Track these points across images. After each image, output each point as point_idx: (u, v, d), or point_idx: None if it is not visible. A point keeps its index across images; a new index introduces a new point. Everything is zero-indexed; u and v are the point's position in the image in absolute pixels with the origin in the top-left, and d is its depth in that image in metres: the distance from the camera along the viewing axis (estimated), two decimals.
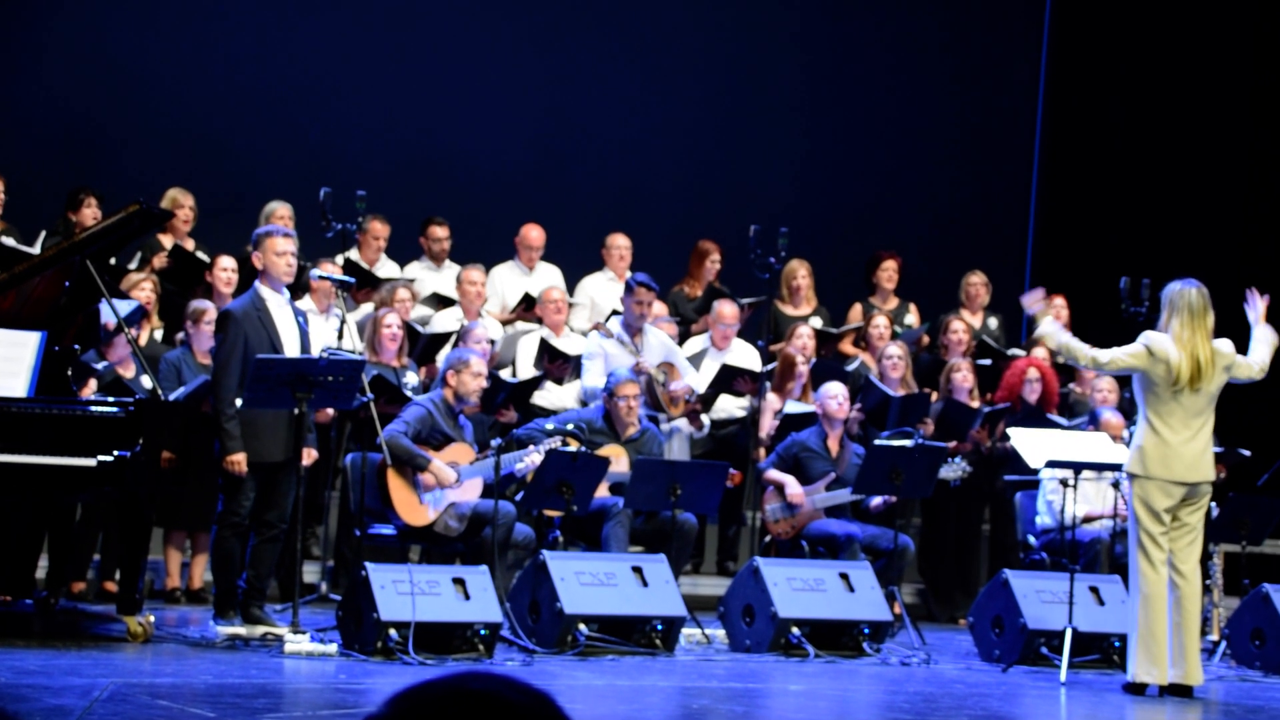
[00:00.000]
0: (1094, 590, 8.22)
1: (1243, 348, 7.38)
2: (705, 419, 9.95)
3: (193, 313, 8.88)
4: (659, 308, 10.36)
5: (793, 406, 9.81)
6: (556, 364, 9.82)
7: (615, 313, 10.24)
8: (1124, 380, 9.08)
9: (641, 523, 8.80)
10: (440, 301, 10.24)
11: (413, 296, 9.89)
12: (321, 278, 8.72)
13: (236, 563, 7.56)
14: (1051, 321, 7.63)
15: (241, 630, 7.42)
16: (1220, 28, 13.22)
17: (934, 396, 10.18)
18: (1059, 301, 10.91)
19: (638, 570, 7.87)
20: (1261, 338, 7.44)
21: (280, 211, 10.03)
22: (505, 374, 9.76)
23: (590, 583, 7.70)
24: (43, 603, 7.71)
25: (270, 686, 6.31)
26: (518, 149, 12.53)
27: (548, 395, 9.91)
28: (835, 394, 9.32)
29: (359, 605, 7.06)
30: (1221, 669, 8.34)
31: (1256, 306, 7.56)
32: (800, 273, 10.89)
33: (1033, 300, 7.72)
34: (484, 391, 8.57)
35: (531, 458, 8.21)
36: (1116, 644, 7.93)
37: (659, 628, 7.73)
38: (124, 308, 7.70)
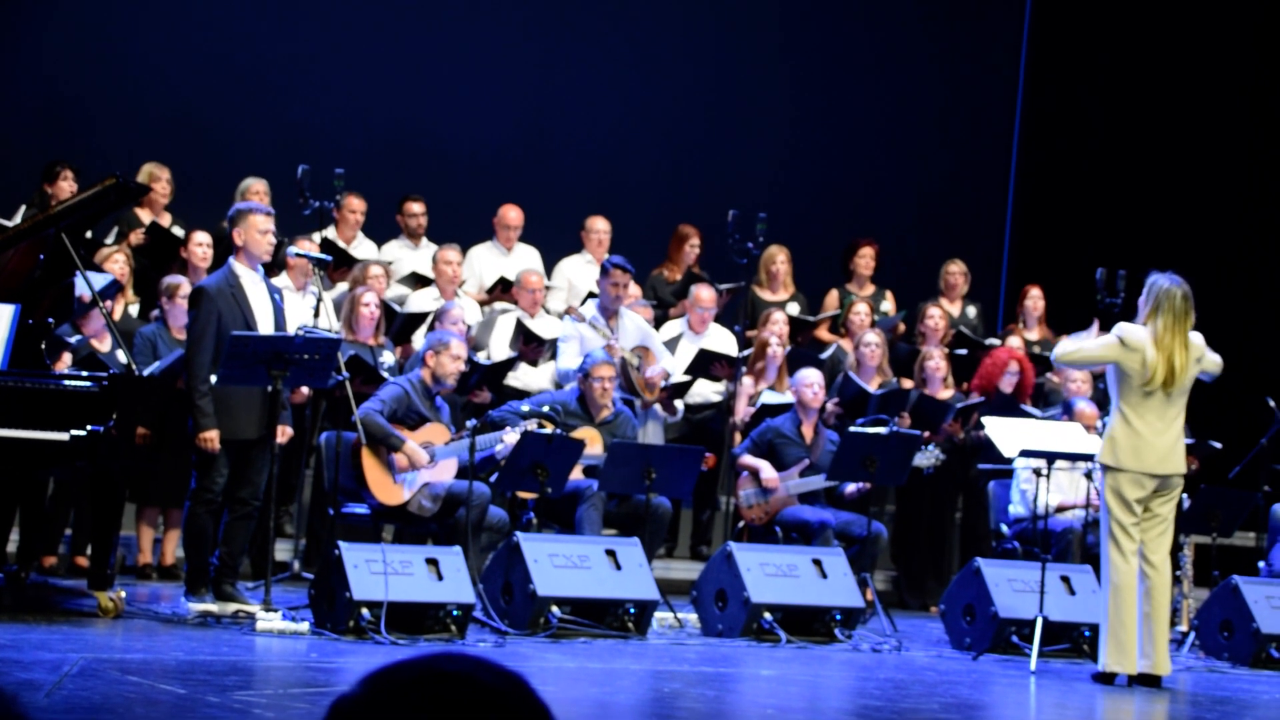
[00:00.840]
0: (1065, 580, 8.25)
1: (1210, 340, 7.36)
2: (679, 403, 9.94)
3: (166, 288, 8.84)
4: (634, 290, 10.36)
5: (770, 397, 9.80)
6: (531, 346, 9.81)
7: (592, 295, 10.23)
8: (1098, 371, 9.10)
9: (615, 506, 8.80)
10: (418, 281, 10.21)
11: (387, 275, 9.86)
12: (299, 255, 8.69)
13: (209, 540, 7.54)
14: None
15: (213, 607, 7.41)
16: (1201, 20, 13.25)
17: (909, 385, 10.20)
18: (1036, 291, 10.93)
19: (611, 553, 7.87)
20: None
21: (255, 187, 9.98)
22: (480, 356, 9.75)
23: (563, 565, 7.70)
24: (13, 577, 7.68)
25: (241, 664, 6.30)
26: (498, 130, 12.50)
27: (522, 377, 9.89)
28: (811, 382, 9.32)
29: (332, 584, 7.05)
30: (1190, 660, 8.38)
31: None
32: (779, 258, 10.89)
33: None
34: (457, 376, 8.55)
35: (509, 438, 8.20)
36: (1087, 633, 7.97)
37: (632, 611, 7.74)
38: (99, 281, 7.66)
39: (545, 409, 8.72)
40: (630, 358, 9.63)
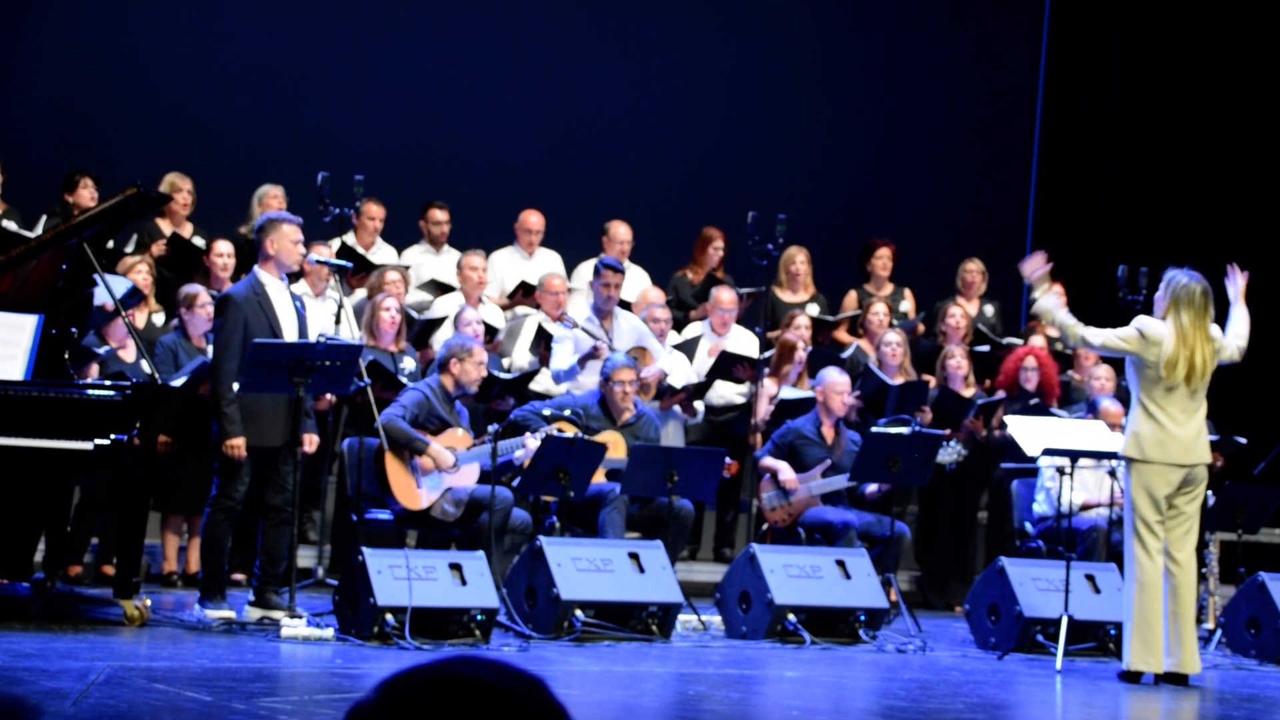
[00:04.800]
0: (1090, 578, 8.23)
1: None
2: (699, 405, 9.93)
3: (185, 297, 8.87)
4: (655, 295, 10.37)
5: (789, 392, 9.80)
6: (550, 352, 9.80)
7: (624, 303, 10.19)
8: (1120, 368, 9.07)
9: (638, 509, 8.80)
10: (439, 288, 10.22)
11: (405, 281, 9.88)
12: (319, 262, 8.72)
13: (226, 548, 7.55)
14: (1051, 296, 7.57)
15: (230, 613, 7.42)
16: (1218, 15, 13.20)
17: (931, 383, 10.18)
18: (1058, 289, 10.90)
19: (634, 556, 7.87)
20: (1239, 318, 7.38)
21: (273, 194, 10.00)
22: (502, 362, 9.76)
23: (587, 569, 7.70)
24: (40, 586, 7.71)
25: (266, 670, 6.31)
26: (519, 134, 12.51)
27: (544, 381, 9.88)
28: (842, 389, 9.28)
29: (356, 590, 7.07)
30: (1217, 657, 8.35)
31: (1237, 283, 7.44)
32: (799, 259, 10.89)
33: (1033, 267, 7.60)
34: (480, 383, 8.56)
35: (529, 443, 8.21)
36: (1112, 632, 7.94)
37: (655, 614, 7.74)
38: (120, 290, 7.69)
39: (566, 412, 8.72)
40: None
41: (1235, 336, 7.33)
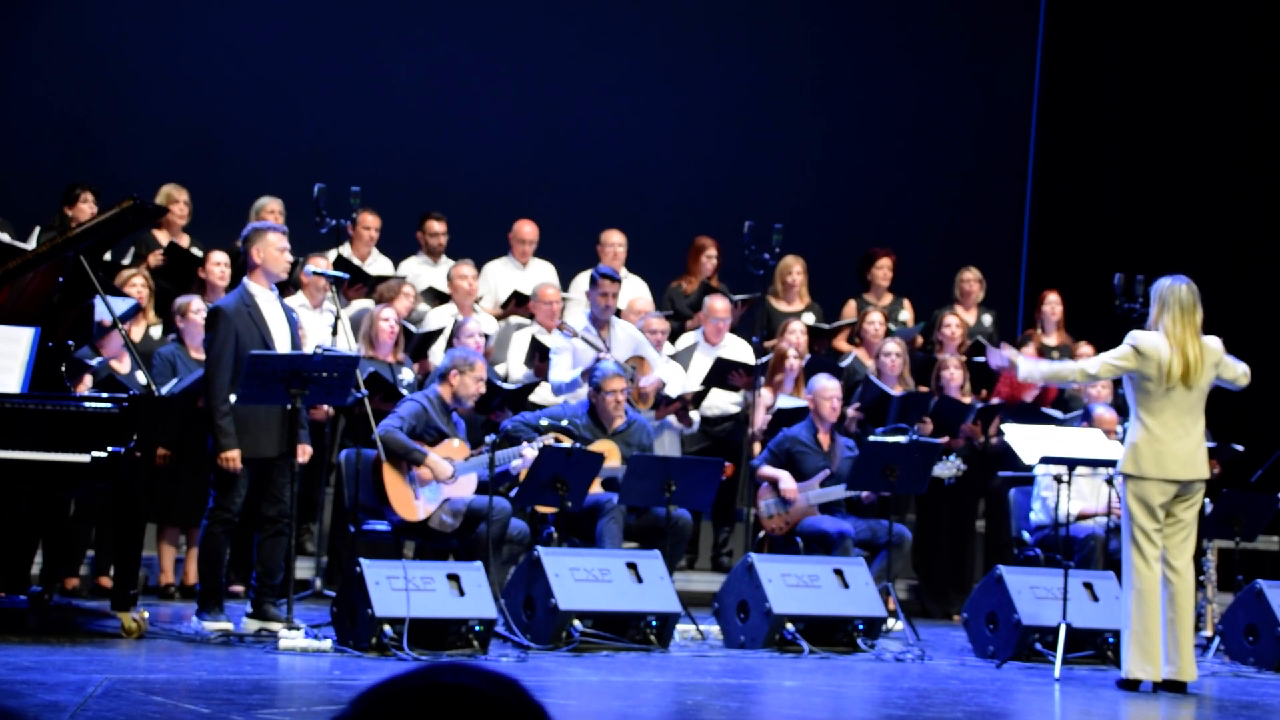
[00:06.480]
0: (1088, 586, 8.23)
1: (1230, 346, 7.37)
2: (695, 415, 9.93)
3: (179, 307, 8.88)
4: (647, 303, 10.37)
5: (785, 401, 9.81)
6: (548, 363, 9.80)
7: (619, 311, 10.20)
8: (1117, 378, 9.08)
9: (635, 519, 8.80)
10: (436, 297, 10.23)
11: (415, 295, 9.90)
12: (316, 273, 8.72)
13: (223, 559, 7.55)
14: (1027, 361, 7.64)
15: (228, 625, 7.42)
16: (1215, 23, 13.22)
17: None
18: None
19: (632, 566, 7.87)
20: (1232, 361, 7.41)
21: (270, 206, 10.01)
22: (499, 371, 9.75)
23: (585, 579, 7.70)
24: (37, 599, 7.71)
25: (265, 682, 6.31)
26: (513, 145, 12.53)
27: (540, 391, 9.88)
28: (831, 395, 9.29)
29: (354, 601, 7.06)
30: (1215, 665, 8.35)
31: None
32: (795, 269, 10.90)
33: (998, 359, 7.68)
34: (478, 398, 8.57)
35: (527, 452, 8.21)
36: (1110, 640, 7.94)
37: (653, 624, 7.73)
38: (119, 304, 7.69)
39: (564, 423, 8.72)
40: (625, 368, 9.60)
41: (1239, 364, 7.34)
